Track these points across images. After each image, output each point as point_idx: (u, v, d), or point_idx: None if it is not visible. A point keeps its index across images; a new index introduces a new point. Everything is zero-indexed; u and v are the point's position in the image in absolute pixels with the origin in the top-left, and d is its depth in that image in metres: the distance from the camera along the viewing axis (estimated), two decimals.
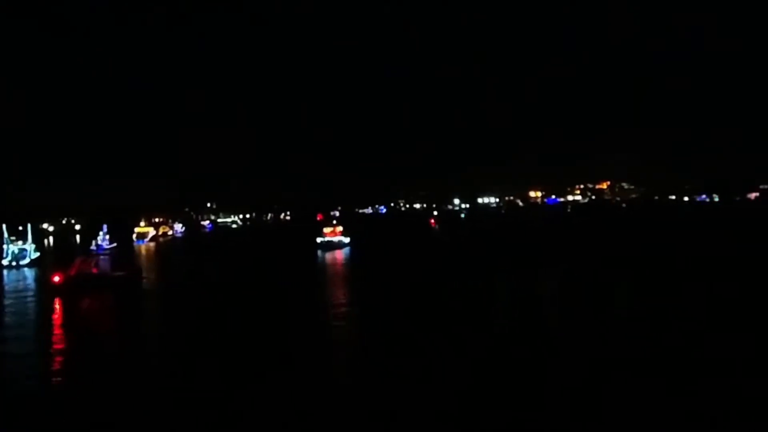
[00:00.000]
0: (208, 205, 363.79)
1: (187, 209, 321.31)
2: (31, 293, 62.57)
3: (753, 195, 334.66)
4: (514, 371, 27.12)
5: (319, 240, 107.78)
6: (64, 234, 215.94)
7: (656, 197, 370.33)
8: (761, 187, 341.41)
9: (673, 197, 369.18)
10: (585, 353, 29.67)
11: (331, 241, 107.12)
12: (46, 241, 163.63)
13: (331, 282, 65.64)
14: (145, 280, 67.61)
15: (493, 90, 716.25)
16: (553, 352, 29.94)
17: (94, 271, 62.53)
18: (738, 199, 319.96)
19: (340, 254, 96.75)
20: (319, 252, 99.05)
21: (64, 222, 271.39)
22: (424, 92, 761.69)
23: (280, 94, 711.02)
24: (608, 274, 57.37)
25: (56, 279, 58.68)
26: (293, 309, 46.24)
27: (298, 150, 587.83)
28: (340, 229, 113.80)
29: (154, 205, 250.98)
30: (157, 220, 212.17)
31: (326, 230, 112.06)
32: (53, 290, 57.11)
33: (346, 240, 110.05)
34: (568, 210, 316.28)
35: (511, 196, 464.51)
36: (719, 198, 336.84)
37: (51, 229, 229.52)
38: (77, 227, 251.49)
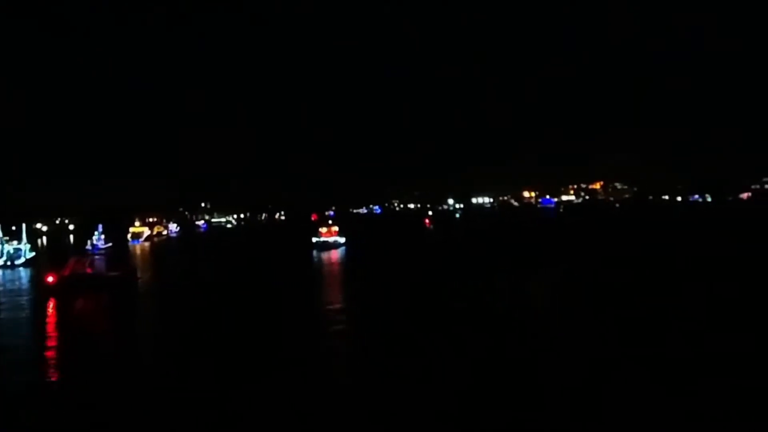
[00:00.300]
0: (203, 205, 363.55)
1: (181, 209, 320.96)
2: (25, 293, 62.20)
3: (745, 195, 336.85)
4: (514, 371, 27.13)
5: (314, 240, 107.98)
6: (57, 234, 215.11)
7: (650, 197, 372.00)
8: (753, 187, 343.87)
9: (666, 197, 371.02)
10: (584, 353, 29.71)
11: (327, 242, 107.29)
12: (39, 241, 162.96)
13: (327, 282, 65.73)
14: (139, 281, 67.17)
15: (493, 90, 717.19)
16: (552, 352, 29.96)
17: (88, 271, 62.07)
18: (730, 199, 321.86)
19: (336, 254, 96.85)
20: (315, 252, 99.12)
21: (57, 222, 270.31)
22: (424, 92, 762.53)
23: (280, 94, 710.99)
24: (606, 274, 57.43)
25: (50, 279, 58.22)
26: (290, 309, 46.14)
27: (298, 150, 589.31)
28: (335, 229, 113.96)
29: (154, 205, 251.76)
30: (151, 220, 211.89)
31: (322, 230, 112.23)
32: (47, 290, 56.64)
33: (342, 240, 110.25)
34: (560, 210, 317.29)
35: (505, 196, 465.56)
36: (712, 198, 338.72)
37: (45, 228, 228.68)
38: (71, 227, 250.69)
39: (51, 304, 51.76)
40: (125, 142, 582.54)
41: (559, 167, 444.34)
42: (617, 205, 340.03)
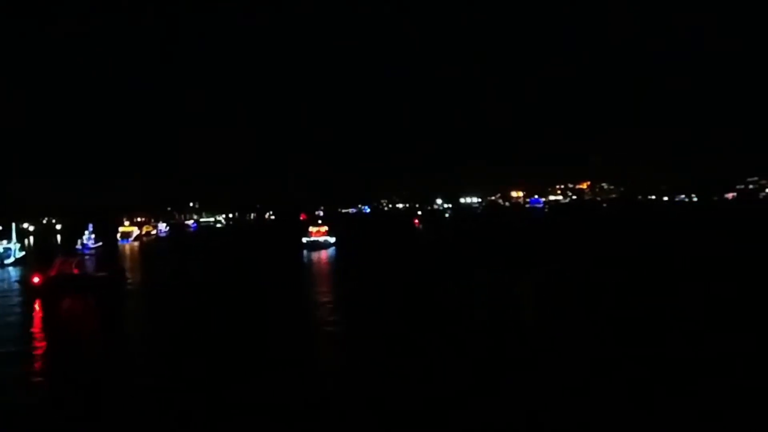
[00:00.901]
0: (191, 204, 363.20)
1: (169, 208, 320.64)
2: (13, 293, 60.86)
3: (730, 195, 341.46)
4: (513, 371, 27.15)
5: (304, 240, 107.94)
6: (45, 233, 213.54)
7: (639, 197, 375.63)
8: (738, 187, 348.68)
9: (653, 197, 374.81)
10: (583, 352, 29.68)
11: (317, 241, 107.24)
12: (26, 240, 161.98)
13: (320, 282, 65.66)
14: (128, 281, 65.68)
15: (493, 90, 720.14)
16: (550, 352, 29.91)
17: (75, 271, 60.32)
18: (716, 198, 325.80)
19: (327, 254, 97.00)
20: (305, 252, 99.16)
21: (45, 221, 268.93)
22: (424, 92, 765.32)
23: (280, 94, 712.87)
24: (600, 274, 57.54)
25: (35, 280, 56.80)
26: (281, 309, 45.87)
27: (298, 150, 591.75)
28: (325, 228, 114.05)
29: (153, 205, 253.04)
30: (139, 219, 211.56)
31: (312, 230, 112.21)
32: (32, 291, 55.33)
33: (332, 240, 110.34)
34: (545, 210, 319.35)
35: (494, 196, 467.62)
36: (697, 198, 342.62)
37: (32, 228, 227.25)
38: (58, 227, 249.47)
39: (36, 305, 50.59)
40: (125, 142, 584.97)
41: (546, 167, 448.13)
42: (604, 204, 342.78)
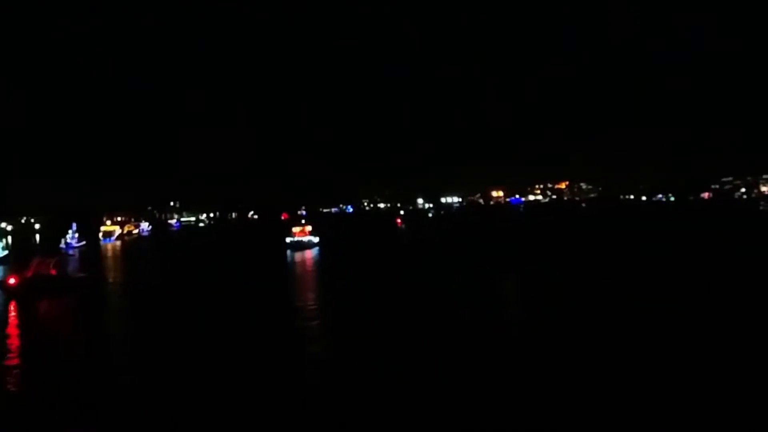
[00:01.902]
0: (172, 203, 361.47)
1: (150, 207, 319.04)
2: None
3: (706, 194, 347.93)
4: (509, 372, 27.13)
5: (288, 240, 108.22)
6: (26, 233, 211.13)
7: (621, 196, 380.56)
8: (713, 186, 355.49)
9: (632, 196, 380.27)
10: (578, 353, 29.59)
11: (301, 241, 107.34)
12: (4, 240, 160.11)
13: (306, 282, 65.53)
14: (110, 282, 64.66)
15: (493, 90, 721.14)
16: (545, 352, 29.90)
17: (53, 272, 58.67)
18: (692, 198, 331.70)
19: (311, 254, 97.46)
20: (289, 252, 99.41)
21: (23, 221, 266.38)
22: (424, 92, 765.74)
23: (280, 94, 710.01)
24: (587, 273, 57.94)
25: (11, 281, 55.54)
26: (267, 309, 45.97)
27: (298, 150, 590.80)
28: (309, 228, 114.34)
29: (152, 205, 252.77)
30: (119, 219, 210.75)
31: (295, 230, 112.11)
32: (8, 293, 53.93)
33: (316, 240, 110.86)
34: (521, 209, 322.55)
35: (474, 195, 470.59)
36: (674, 198, 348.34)
37: (9, 228, 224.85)
38: (37, 226, 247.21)
39: (12, 307, 49.03)
40: (125, 142, 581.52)
41: (526, 167, 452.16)
42: (583, 204, 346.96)
